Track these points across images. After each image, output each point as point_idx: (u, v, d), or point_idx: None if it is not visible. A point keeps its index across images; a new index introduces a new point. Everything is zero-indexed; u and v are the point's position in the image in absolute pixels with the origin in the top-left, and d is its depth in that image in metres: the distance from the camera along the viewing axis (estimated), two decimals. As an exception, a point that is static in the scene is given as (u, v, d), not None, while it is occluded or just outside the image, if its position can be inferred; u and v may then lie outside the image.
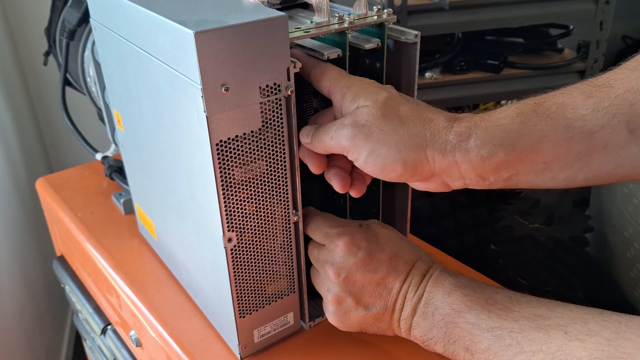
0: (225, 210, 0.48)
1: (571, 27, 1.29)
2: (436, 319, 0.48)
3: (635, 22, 1.63)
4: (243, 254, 0.51)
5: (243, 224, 0.49)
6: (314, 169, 0.51)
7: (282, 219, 0.51)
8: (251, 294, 0.53)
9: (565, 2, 1.19)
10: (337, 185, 0.51)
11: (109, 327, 0.81)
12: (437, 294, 0.49)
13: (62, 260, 0.93)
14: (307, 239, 0.55)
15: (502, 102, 1.55)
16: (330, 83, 0.49)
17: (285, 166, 0.49)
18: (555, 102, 0.43)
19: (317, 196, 0.59)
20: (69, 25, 0.80)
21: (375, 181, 0.59)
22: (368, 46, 0.51)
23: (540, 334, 0.42)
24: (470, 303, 0.47)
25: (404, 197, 0.60)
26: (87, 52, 0.80)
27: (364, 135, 0.45)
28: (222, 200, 0.47)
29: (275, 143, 0.48)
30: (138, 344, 0.70)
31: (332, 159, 0.52)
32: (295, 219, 0.52)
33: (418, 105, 0.47)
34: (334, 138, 0.47)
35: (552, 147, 0.42)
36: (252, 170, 0.48)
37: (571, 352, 0.39)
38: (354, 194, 0.52)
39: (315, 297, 0.60)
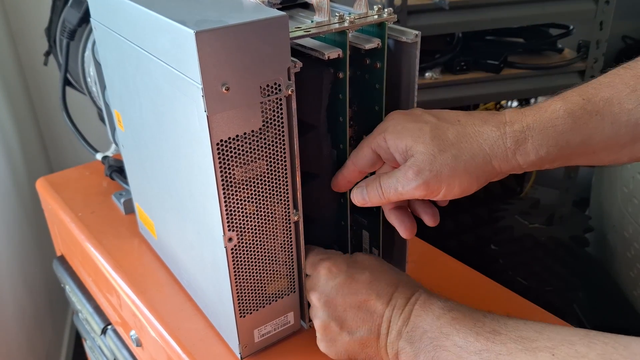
0: (226, 210, 0.48)
1: (571, 27, 1.29)
2: (424, 344, 0.47)
3: (636, 22, 1.63)
4: (243, 254, 0.51)
5: (243, 224, 0.49)
6: (407, 234, 0.54)
7: (283, 218, 0.51)
8: (251, 293, 0.53)
9: (566, 2, 1.19)
10: (405, 233, 0.54)
11: (109, 327, 0.81)
12: (425, 317, 0.48)
13: (62, 260, 0.93)
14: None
15: (502, 102, 1.55)
16: (369, 141, 0.51)
17: (285, 166, 0.49)
18: (602, 98, 0.46)
19: (318, 200, 0.59)
20: (69, 25, 0.80)
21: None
22: (368, 46, 0.51)
23: (528, 356, 0.41)
24: (458, 326, 0.46)
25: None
26: (88, 52, 0.80)
27: (436, 177, 0.47)
28: (223, 200, 0.47)
29: (276, 143, 0.48)
30: (138, 343, 0.70)
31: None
32: (296, 218, 0.52)
33: (460, 123, 0.48)
34: (404, 194, 0.48)
35: (601, 140, 0.46)
36: (252, 170, 0.48)
37: None
38: (410, 233, 0.54)
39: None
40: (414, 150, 0.47)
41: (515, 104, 1.55)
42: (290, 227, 0.52)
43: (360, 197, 0.52)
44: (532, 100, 1.51)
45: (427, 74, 1.19)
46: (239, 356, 0.56)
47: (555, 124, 0.46)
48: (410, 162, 0.47)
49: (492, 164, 0.47)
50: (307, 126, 0.52)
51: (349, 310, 0.51)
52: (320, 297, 0.52)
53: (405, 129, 0.48)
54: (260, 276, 0.53)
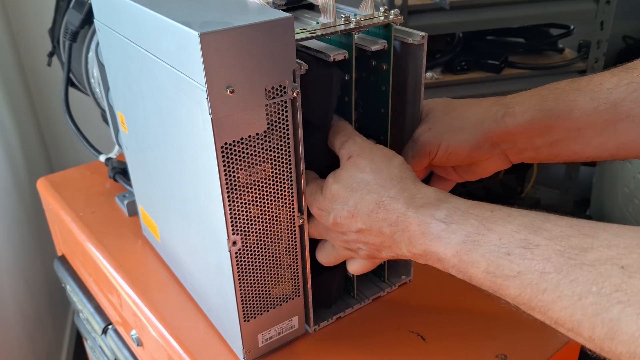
0: (230, 213, 0.47)
1: (572, 27, 1.29)
2: (469, 222, 0.41)
3: (636, 22, 1.63)
4: (248, 258, 0.50)
5: (248, 227, 0.49)
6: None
7: (287, 221, 0.51)
8: (256, 297, 0.53)
9: (566, 2, 1.19)
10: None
11: (109, 326, 0.80)
12: (471, 203, 0.42)
13: (63, 260, 0.93)
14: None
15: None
16: (347, 136, 0.51)
17: (290, 169, 0.49)
18: (586, 79, 0.51)
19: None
20: (72, 27, 0.79)
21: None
22: (374, 47, 0.51)
23: (585, 273, 0.33)
24: (482, 249, 0.39)
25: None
26: (91, 53, 0.80)
27: (434, 137, 0.54)
28: (227, 203, 0.47)
29: (281, 145, 0.48)
30: (139, 343, 0.70)
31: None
32: (301, 221, 0.52)
33: (467, 100, 0.56)
34: (413, 163, 0.55)
35: (582, 114, 0.50)
36: (257, 173, 0.47)
37: (637, 291, 0.30)
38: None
39: (319, 305, 0.60)
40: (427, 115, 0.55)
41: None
42: (295, 230, 0.52)
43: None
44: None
45: (427, 74, 1.19)
46: None
47: (541, 93, 0.52)
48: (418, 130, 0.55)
49: (484, 125, 0.52)
50: (314, 128, 0.51)
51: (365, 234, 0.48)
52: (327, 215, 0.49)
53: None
54: (265, 280, 0.53)
